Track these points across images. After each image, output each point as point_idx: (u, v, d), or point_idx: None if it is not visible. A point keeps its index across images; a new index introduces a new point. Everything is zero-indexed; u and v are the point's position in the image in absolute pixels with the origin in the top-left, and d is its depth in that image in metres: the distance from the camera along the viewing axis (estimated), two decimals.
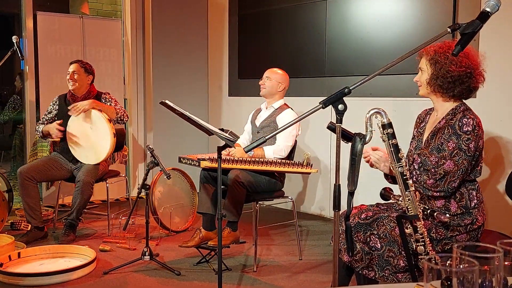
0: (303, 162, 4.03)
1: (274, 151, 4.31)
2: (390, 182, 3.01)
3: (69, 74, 5.02)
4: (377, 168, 2.90)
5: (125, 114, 5.01)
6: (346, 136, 2.57)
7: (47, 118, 5.12)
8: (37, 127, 5.14)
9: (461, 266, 0.92)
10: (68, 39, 6.33)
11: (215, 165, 3.94)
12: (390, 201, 2.81)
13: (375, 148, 2.84)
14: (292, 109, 4.54)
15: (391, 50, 5.08)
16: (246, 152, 2.35)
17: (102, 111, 4.82)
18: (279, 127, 4.37)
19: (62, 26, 6.29)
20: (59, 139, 4.96)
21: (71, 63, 5.08)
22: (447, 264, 0.97)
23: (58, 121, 4.93)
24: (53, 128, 4.89)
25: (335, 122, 2.21)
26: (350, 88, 2.09)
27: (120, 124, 5.06)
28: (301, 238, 4.85)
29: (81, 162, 4.90)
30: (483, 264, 0.96)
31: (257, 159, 4.03)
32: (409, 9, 5.00)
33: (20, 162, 7.33)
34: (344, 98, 2.12)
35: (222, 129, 3.41)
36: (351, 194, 2.31)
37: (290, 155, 4.50)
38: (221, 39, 6.99)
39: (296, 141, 4.56)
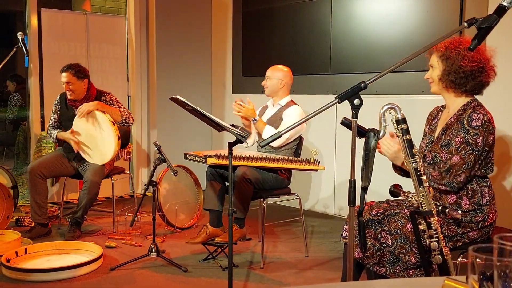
0: (311, 159, 4.03)
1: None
2: (398, 174, 3.01)
3: (63, 84, 4.87)
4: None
5: (130, 116, 4.93)
6: (360, 131, 2.56)
7: (55, 119, 5.08)
8: (49, 132, 5.09)
9: (502, 258, 0.91)
10: (72, 36, 6.31)
11: (222, 161, 3.94)
12: (400, 197, 2.81)
13: (392, 134, 2.79)
14: (298, 105, 4.53)
15: (397, 48, 5.07)
16: (262, 146, 2.33)
17: (106, 113, 4.78)
18: (284, 121, 4.38)
19: (66, 23, 6.28)
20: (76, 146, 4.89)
21: (62, 71, 4.86)
22: (486, 257, 0.96)
23: (70, 131, 4.87)
24: (69, 139, 4.84)
25: (349, 118, 2.20)
26: (366, 82, 2.08)
27: (125, 127, 5.00)
28: (306, 235, 4.84)
29: (86, 161, 4.88)
30: None
31: (265, 156, 4.03)
32: (415, 6, 4.99)
33: (24, 159, 7.32)
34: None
35: (232, 125, 3.40)
36: (364, 190, 2.30)
37: (297, 153, 4.50)
38: (225, 37, 6.98)
39: (302, 138, 4.55)
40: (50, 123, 5.12)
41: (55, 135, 5.01)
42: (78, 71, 4.88)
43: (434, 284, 1.38)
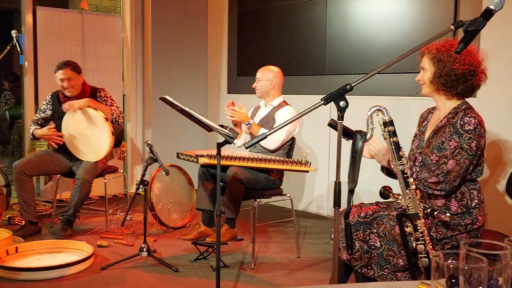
0: (302, 160, 4.03)
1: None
2: (385, 174, 3.00)
3: (62, 81, 4.82)
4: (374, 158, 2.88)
5: (120, 115, 4.92)
6: (347, 133, 2.55)
7: (41, 117, 5.01)
8: (29, 126, 4.98)
9: (469, 264, 0.90)
10: (68, 35, 6.30)
11: (213, 161, 3.93)
12: (390, 199, 2.80)
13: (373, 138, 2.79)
14: (291, 106, 4.53)
15: (391, 49, 5.07)
16: (247, 148, 2.33)
17: (97, 110, 4.76)
18: (277, 123, 4.37)
19: (61, 22, 6.27)
20: (60, 143, 4.83)
21: (59, 68, 4.83)
22: (450, 261, 0.96)
23: (51, 126, 4.83)
24: (47, 134, 4.78)
25: (336, 119, 2.19)
26: (352, 84, 2.08)
27: (115, 125, 4.97)
28: (298, 236, 4.84)
29: (79, 159, 4.87)
30: (489, 261, 0.95)
31: (256, 157, 4.02)
32: (410, 8, 4.99)
33: (18, 157, 7.29)
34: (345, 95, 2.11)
35: (221, 126, 3.39)
36: (351, 192, 2.30)
37: (289, 153, 4.49)
38: (221, 36, 6.97)
39: (294, 138, 4.55)
40: (34, 119, 5.03)
41: (31, 131, 4.88)
42: (76, 66, 4.91)
43: None
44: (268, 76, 4.50)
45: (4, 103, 7.74)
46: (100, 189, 5.60)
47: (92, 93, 4.98)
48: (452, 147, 2.67)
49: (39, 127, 4.92)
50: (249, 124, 4.32)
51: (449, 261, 0.95)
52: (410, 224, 2.51)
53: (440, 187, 2.67)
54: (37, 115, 5.08)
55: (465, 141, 2.65)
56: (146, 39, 6.76)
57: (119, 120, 4.89)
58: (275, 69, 4.56)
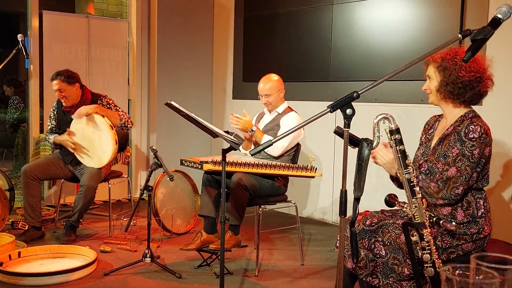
0: (308, 165, 4.01)
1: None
2: (396, 186, 2.97)
3: (56, 92, 4.85)
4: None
5: (129, 120, 4.89)
6: (353, 141, 2.53)
7: (53, 125, 5.08)
8: (47, 137, 5.07)
9: (479, 277, 0.88)
10: (74, 39, 6.31)
11: (217, 168, 3.91)
12: (395, 207, 2.78)
13: (386, 143, 2.77)
14: (296, 111, 4.51)
15: (397, 56, 5.05)
16: (252, 155, 2.31)
17: (105, 117, 4.76)
18: (281, 129, 4.36)
19: (67, 26, 6.28)
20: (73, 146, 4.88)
21: (51, 79, 4.85)
22: (461, 275, 0.94)
23: (66, 133, 4.87)
24: (66, 142, 4.83)
25: (342, 127, 2.18)
26: (359, 92, 2.06)
27: (123, 131, 4.96)
28: (303, 243, 4.81)
29: (83, 165, 4.86)
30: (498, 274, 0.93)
31: (261, 162, 4.01)
32: (416, 15, 4.97)
33: (22, 161, 7.32)
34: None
35: (227, 132, 3.38)
36: (357, 200, 2.28)
37: (294, 159, 4.47)
38: (226, 42, 6.97)
39: (300, 145, 4.53)
40: (48, 129, 5.12)
41: (52, 140, 4.98)
42: (68, 77, 4.84)
43: None
44: (276, 86, 4.47)
45: (14, 108, 7.77)
46: (104, 194, 5.59)
47: (93, 101, 4.95)
48: (454, 155, 2.66)
49: (57, 134, 4.99)
50: (252, 130, 4.30)
51: (457, 273, 0.93)
52: (415, 233, 2.49)
53: (441, 195, 2.65)
54: (49, 123, 5.12)
55: (467, 148, 2.63)
56: (152, 44, 6.76)
57: (128, 125, 4.88)
58: (275, 77, 4.53)
